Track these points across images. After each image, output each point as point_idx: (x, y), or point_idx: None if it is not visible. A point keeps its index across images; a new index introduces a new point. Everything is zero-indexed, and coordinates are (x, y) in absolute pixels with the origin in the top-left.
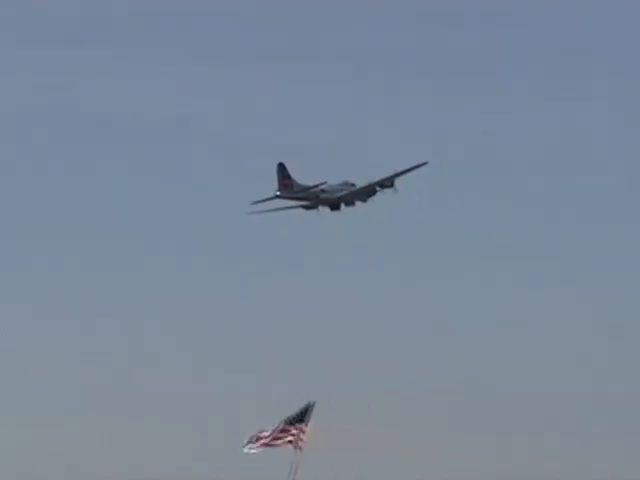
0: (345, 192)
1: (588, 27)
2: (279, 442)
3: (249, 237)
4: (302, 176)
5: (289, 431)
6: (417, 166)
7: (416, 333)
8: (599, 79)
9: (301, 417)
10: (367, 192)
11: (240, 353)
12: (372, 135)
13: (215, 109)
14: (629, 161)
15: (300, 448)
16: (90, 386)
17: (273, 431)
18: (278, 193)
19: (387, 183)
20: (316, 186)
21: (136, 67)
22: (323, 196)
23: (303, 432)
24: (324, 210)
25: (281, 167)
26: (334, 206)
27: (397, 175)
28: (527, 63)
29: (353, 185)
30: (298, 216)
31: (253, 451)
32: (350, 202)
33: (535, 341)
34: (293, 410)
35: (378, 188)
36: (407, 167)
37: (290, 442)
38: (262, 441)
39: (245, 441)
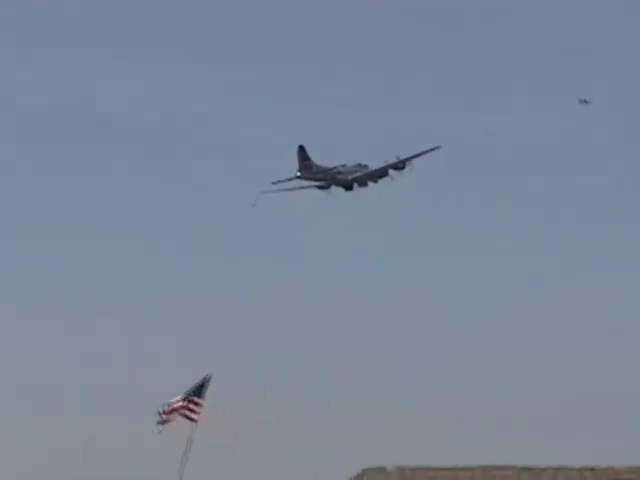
0: (359, 173)
1: (588, 27)
2: (176, 415)
3: (249, 237)
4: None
5: (185, 405)
6: (430, 150)
7: (416, 333)
8: (599, 79)
9: (197, 391)
10: (379, 174)
11: (240, 353)
12: (371, 135)
13: (215, 109)
14: (629, 161)
15: (195, 421)
16: (90, 386)
17: (170, 405)
18: (298, 174)
19: (400, 165)
20: (335, 167)
21: (136, 67)
22: (339, 177)
23: (199, 405)
24: (337, 190)
25: (301, 149)
26: (348, 187)
27: (409, 158)
28: (527, 63)
29: (366, 166)
30: (298, 217)
31: (160, 428)
32: (363, 183)
33: (535, 341)
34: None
35: (391, 170)
36: (419, 151)
37: (186, 415)
38: (164, 417)
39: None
